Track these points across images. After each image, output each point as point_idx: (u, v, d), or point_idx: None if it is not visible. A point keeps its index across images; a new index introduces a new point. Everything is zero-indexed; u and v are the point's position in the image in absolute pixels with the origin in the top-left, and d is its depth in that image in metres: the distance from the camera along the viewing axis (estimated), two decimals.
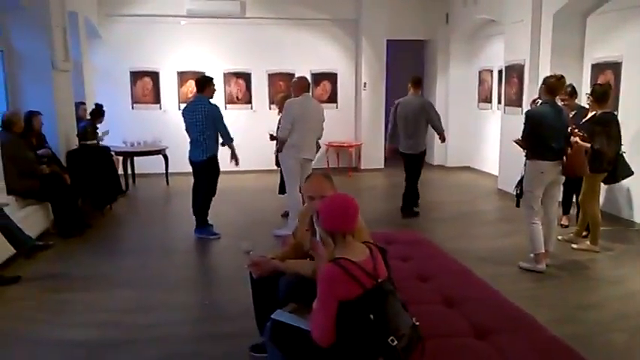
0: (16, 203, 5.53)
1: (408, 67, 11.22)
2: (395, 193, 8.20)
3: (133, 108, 10.21)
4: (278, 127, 6.16)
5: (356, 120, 11.04)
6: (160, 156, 9.18)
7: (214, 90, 6.14)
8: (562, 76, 4.76)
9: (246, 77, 10.53)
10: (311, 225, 3.01)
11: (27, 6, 6.34)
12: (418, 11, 10.73)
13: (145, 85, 10.23)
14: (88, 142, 7.41)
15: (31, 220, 5.59)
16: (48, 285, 4.66)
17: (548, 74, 5.16)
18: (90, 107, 8.15)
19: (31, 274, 4.82)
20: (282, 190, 6.82)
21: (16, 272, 4.78)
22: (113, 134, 8.63)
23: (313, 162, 6.21)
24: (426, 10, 10.76)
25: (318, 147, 6.37)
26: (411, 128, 6.78)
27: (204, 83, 6.02)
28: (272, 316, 2.61)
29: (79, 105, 7.84)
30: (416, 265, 3.57)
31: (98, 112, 7.96)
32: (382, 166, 10.87)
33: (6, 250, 4.85)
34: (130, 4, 9.82)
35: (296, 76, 6.45)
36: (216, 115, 5.93)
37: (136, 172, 9.30)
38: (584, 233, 5.62)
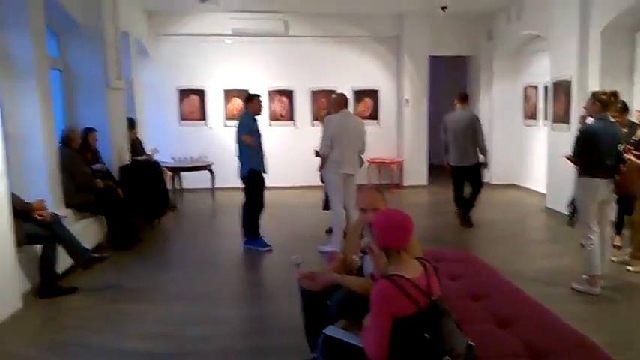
0: (74, 216, 5.77)
1: (450, 84, 11.20)
2: (439, 211, 8.16)
3: (180, 125, 10.53)
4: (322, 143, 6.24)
5: (398, 136, 11.04)
6: (206, 171, 9.40)
7: (259, 106, 6.28)
8: (616, 92, 4.66)
9: (289, 94, 10.71)
10: (362, 237, 3.04)
11: (83, 26, 6.64)
12: (460, 28, 10.70)
13: (192, 102, 10.55)
14: (139, 158, 7.68)
15: (87, 232, 5.83)
16: (104, 296, 4.84)
17: (597, 90, 5.06)
18: (140, 124, 8.45)
19: (87, 284, 5.01)
20: (326, 206, 6.88)
21: (72, 283, 4.99)
22: (161, 150, 8.91)
23: (357, 177, 6.26)
24: (468, 27, 10.73)
25: (362, 162, 6.43)
26: (460, 141, 6.99)
27: (247, 99, 6.28)
28: (324, 332, 2.64)
29: (130, 122, 8.12)
30: (466, 283, 3.53)
31: (129, 124, 8.18)
32: (425, 183, 10.80)
33: (65, 261, 5.07)
34: (178, 24, 10.19)
35: (337, 92, 6.59)
36: (240, 125, 6.09)
37: (182, 187, 9.54)
38: None
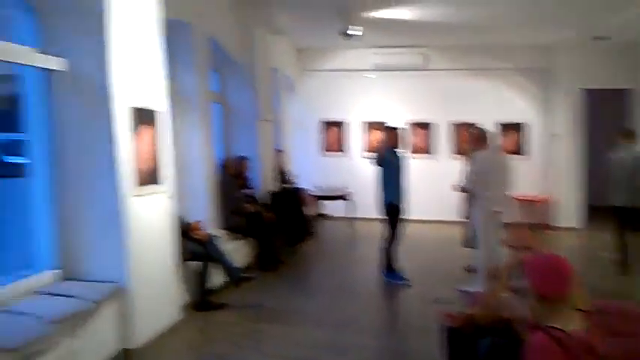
0: (227, 237, 6.22)
1: (607, 118, 10.29)
2: (596, 256, 7.45)
3: (322, 155, 10.97)
4: (468, 179, 6.09)
5: (546, 173, 10.35)
6: (346, 200, 9.63)
7: (397, 139, 6.31)
8: None
9: (429, 127, 10.65)
10: (512, 277, 2.89)
11: (239, 63, 7.29)
12: (618, 59, 9.77)
13: (333, 134, 10.95)
14: (285, 185, 8.13)
15: (238, 253, 6.23)
16: (249, 314, 5.15)
17: None
18: (286, 154, 8.96)
19: (235, 302, 5.34)
20: (468, 243, 6.64)
21: (221, 299, 5.34)
22: (305, 179, 9.34)
23: (503, 215, 5.96)
24: (627, 57, 9.74)
25: (508, 199, 6.12)
26: (624, 180, 6.48)
27: (386, 131, 6.40)
28: None
29: (278, 152, 8.65)
30: (632, 342, 3.16)
31: (277, 154, 8.59)
32: (579, 225, 9.83)
33: (217, 278, 5.48)
34: (323, 60, 10.72)
35: (478, 126, 6.38)
36: (378, 157, 6.18)
37: (323, 214, 9.85)
38: None
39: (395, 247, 6.29)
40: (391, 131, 6.34)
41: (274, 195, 7.62)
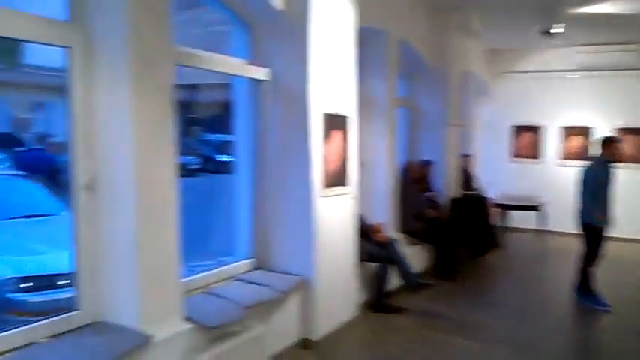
0: (405, 241, 6.21)
1: None
2: None
3: (511, 162, 10.35)
4: None
5: None
6: (537, 211, 8.93)
7: (616, 152, 5.64)
8: None
9: None
10: None
11: (430, 68, 7.26)
12: None
13: (525, 139, 10.24)
14: (469, 192, 7.85)
15: (415, 258, 6.17)
16: (428, 322, 5.07)
17: None
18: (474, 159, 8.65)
19: (413, 307, 5.31)
20: None
21: (398, 303, 5.35)
22: (493, 186, 8.92)
23: None
24: None
25: None
26: None
27: (604, 142, 5.73)
28: None
29: (464, 157, 8.38)
30: None
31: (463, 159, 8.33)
32: None
33: (394, 281, 5.52)
34: (519, 62, 10.12)
35: None
36: (583, 178, 5.60)
37: (510, 225, 9.31)
38: None
39: (593, 267, 5.66)
40: (609, 142, 5.69)
41: (455, 201, 7.40)
